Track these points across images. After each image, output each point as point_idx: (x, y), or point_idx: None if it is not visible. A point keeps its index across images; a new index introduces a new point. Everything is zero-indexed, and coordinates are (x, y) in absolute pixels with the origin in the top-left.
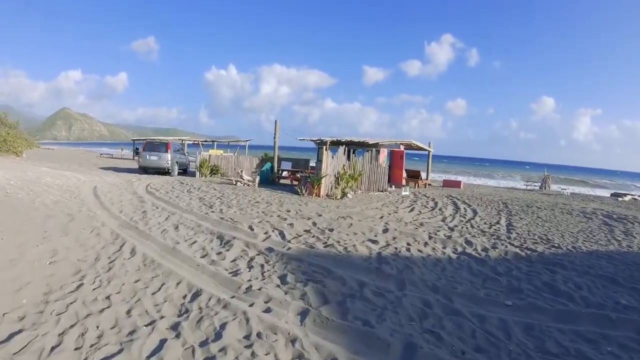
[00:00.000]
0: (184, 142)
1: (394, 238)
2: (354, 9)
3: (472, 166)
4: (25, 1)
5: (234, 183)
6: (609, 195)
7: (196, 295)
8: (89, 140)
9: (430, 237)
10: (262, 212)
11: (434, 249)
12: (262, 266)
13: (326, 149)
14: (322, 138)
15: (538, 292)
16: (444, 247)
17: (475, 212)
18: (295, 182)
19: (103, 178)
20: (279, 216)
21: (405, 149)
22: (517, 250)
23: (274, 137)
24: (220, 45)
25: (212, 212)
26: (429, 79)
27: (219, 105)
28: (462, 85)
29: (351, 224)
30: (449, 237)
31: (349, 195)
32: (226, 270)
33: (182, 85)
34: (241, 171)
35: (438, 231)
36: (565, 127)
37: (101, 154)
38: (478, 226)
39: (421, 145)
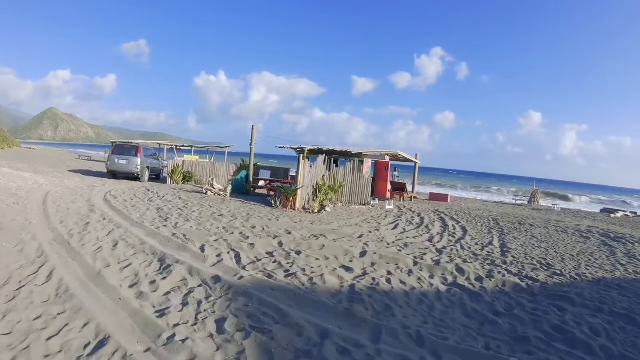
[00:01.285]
0: (161, 146)
1: (373, 264)
2: (345, 21)
3: (458, 179)
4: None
5: (204, 192)
6: (599, 211)
7: (101, 344)
8: (75, 141)
9: (415, 263)
10: (223, 228)
11: (419, 278)
12: (199, 303)
13: (303, 158)
14: (302, 146)
15: (548, 342)
16: (432, 276)
17: (465, 231)
18: (272, 192)
19: (65, 182)
20: (241, 233)
21: (391, 159)
22: (516, 279)
23: (250, 144)
24: (211, 51)
25: (165, 226)
26: (418, 91)
27: (208, 111)
28: (451, 98)
29: (323, 245)
30: (437, 262)
31: (327, 208)
32: (153, 307)
33: (171, 90)
34: (212, 179)
35: (424, 254)
36: (552, 142)
37: (80, 156)
38: (469, 247)
39: (407, 156)
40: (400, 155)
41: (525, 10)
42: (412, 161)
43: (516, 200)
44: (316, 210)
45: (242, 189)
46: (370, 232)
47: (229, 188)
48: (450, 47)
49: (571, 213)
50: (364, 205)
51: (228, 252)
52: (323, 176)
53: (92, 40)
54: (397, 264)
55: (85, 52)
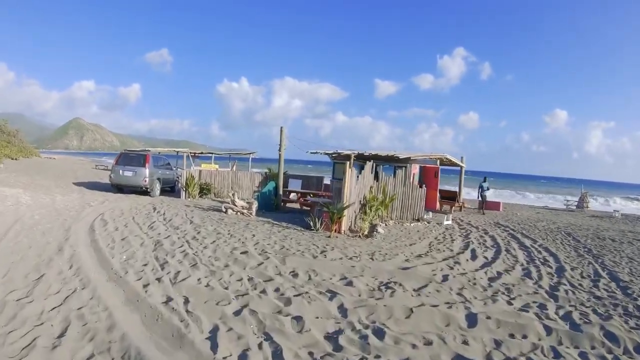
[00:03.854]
0: (179, 153)
1: (497, 344)
2: (367, 25)
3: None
4: (40, 12)
5: (224, 210)
6: None
7: None
8: (100, 150)
9: (547, 329)
10: (248, 280)
11: None
12: None
13: (350, 166)
14: (339, 151)
15: None
16: (584, 356)
17: (553, 255)
18: (306, 208)
19: (56, 199)
20: (277, 290)
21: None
22: None
23: (279, 149)
24: (233, 59)
25: (159, 280)
26: (442, 93)
27: (231, 118)
28: (475, 99)
29: (411, 311)
30: (572, 323)
31: (379, 229)
32: None
33: (194, 98)
34: (233, 194)
35: (544, 307)
36: (579, 140)
37: (96, 165)
38: (580, 284)
39: (454, 159)
40: (446, 158)
41: (549, 9)
42: (458, 165)
43: (568, 206)
44: (366, 232)
45: (271, 204)
46: (451, 267)
47: (255, 205)
48: (472, 47)
49: (636, 219)
50: (418, 221)
51: (259, 345)
52: (371, 188)
53: (115, 51)
54: (525, 335)
55: (109, 63)
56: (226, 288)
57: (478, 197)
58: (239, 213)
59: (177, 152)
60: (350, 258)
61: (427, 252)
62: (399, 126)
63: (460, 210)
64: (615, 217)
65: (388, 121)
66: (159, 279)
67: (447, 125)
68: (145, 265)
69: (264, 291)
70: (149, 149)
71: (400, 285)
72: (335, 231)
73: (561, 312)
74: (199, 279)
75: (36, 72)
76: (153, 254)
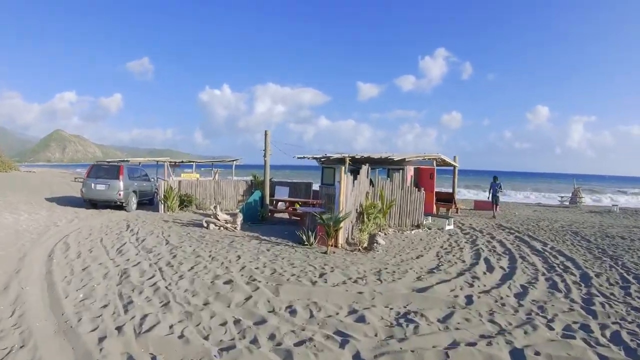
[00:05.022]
0: (159, 162)
1: None
2: (347, 28)
3: (472, 178)
4: (19, 24)
5: (206, 226)
6: None
7: None
8: (83, 161)
9: None
10: (234, 324)
11: None
12: None
13: (345, 172)
14: (329, 155)
15: None
16: None
17: (571, 260)
18: (295, 218)
19: (20, 218)
20: (271, 338)
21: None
22: None
23: (264, 155)
24: (215, 66)
25: (119, 329)
26: (424, 94)
27: (214, 125)
28: (457, 99)
29: (446, 356)
30: (625, 346)
31: (379, 240)
32: None
33: (177, 106)
34: (215, 207)
35: (589, 329)
36: (561, 135)
37: (75, 178)
38: (611, 293)
39: (447, 159)
40: (440, 159)
41: (526, 6)
42: (450, 165)
43: (562, 201)
44: (365, 245)
45: (257, 216)
46: (470, 284)
47: (240, 217)
48: (453, 47)
49: (634, 213)
50: (418, 227)
51: None
52: (367, 194)
53: (96, 61)
54: None
55: (90, 73)
56: (206, 338)
57: (489, 198)
58: (222, 228)
59: (157, 161)
60: (355, 281)
61: (438, 265)
62: (381, 128)
63: (457, 212)
64: (614, 212)
65: (371, 124)
66: (119, 328)
67: (430, 125)
68: (105, 306)
69: (255, 340)
70: (129, 159)
71: (422, 315)
72: (331, 245)
73: (608, 333)
74: (170, 326)
75: (17, 85)
76: (117, 288)
